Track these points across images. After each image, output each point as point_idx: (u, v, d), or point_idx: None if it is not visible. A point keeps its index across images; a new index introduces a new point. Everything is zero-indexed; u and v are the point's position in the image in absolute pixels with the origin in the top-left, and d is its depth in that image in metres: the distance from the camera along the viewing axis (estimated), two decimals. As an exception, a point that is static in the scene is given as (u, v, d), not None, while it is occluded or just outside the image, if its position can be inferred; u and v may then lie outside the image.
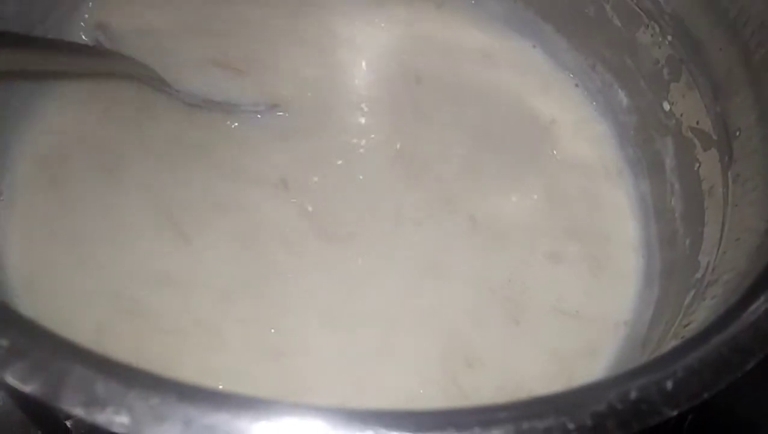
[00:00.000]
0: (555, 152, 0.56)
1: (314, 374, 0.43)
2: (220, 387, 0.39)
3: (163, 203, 0.48)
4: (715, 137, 0.46)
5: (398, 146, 0.54)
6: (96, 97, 0.52)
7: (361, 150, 0.53)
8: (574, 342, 0.47)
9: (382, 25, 0.61)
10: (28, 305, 0.42)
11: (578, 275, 0.50)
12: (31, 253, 0.45)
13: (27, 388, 0.23)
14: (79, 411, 0.23)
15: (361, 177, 0.52)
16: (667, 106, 0.52)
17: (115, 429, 0.22)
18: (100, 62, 0.51)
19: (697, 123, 0.48)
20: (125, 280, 0.44)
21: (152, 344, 0.42)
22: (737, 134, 0.43)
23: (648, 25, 0.52)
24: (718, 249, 0.40)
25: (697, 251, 0.44)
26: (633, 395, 0.25)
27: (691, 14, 0.48)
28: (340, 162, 0.52)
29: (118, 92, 0.52)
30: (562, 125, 0.58)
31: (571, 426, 0.24)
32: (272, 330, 0.44)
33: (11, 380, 0.23)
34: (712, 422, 0.58)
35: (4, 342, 0.24)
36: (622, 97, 0.56)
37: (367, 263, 0.48)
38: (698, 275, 0.42)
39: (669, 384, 0.26)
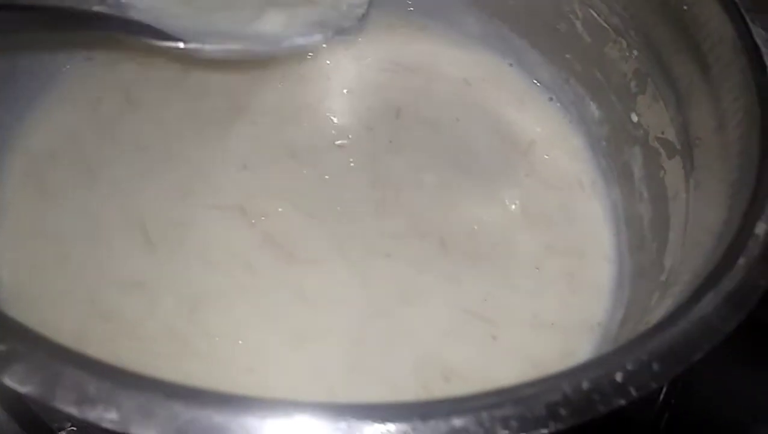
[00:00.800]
0: (532, 166, 0.58)
1: (284, 385, 0.44)
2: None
3: (134, 208, 0.50)
4: (678, 146, 0.48)
5: (373, 176, 0.55)
6: (81, 104, 0.55)
7: (335, 180, 0.54)
8: (552, 348, 0.48)
9: (368, 57, 0.63)
10: (18, 314, 0.43)
11: (556, 288, 0.51)
12: (21, 264, 0.47)
13: (24, 389, 0.25)
14: (72, 409, 0.25)
15: (338, 208, 0.53)
16: (635, 118, 0.54)
17: (105, 425, 0.24)
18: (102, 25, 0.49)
19: (662, 133, 0.50)
20: (100, 283, 0.46)
21: (127, 350, 0.44)
22: (697, 142, 0.45)
23: (615, 41, 0.54)
24: (680, 252, 0.43)
25: (662, 255, 0.46)
26: (585, 385, 0.27)
27: (654, 30, 0.50)
28: (311, 191, 0.53)
29: (100, 101, 0.55)
30: (539, 139, 0.60)
31: (527, 414, 0.26)
32: (240, 342, 0.45)
33: (9, 382, 0.25)
34: (689, 420, 0.60)
35: (2, 347, 0.26)
36: (594, 110, 0.59)
37: (333, 286, 0.48)
38: (663, 277, 0.44)
39: (619, 376, 0.28)
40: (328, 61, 0.62)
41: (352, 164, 0.56)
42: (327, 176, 0.54)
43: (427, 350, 0.47)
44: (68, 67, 0.56)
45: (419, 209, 0.54)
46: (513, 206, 0.56)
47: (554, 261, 0.52)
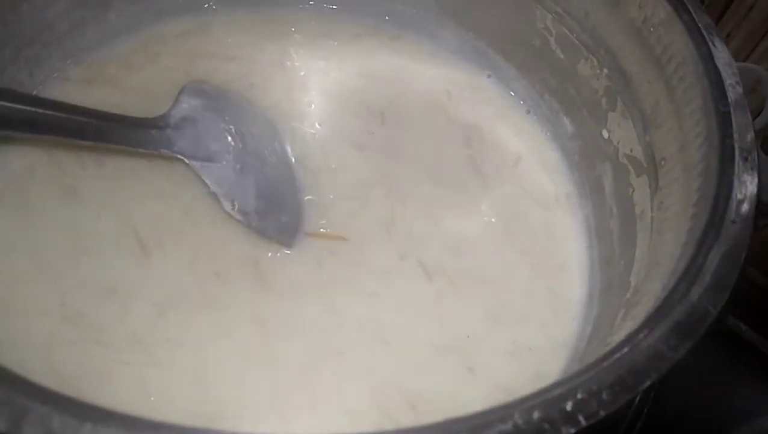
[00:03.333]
0: (513, 179, 0.59)
1: (239, 403, 0.44)
2: (152, 399, 0.43)
3: (127, 218, 0.50)
4: (645, 165, 0.49)
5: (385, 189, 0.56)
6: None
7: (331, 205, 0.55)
8: (526, 372, 0.48)
9: (347, 65, 0.63)
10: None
11: (538, 310, 0.51)
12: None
13: (-9, 425, 0.26)
14: (37, 444, 0.25)
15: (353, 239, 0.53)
16: (605, 134, 0.55)
17: (69, 459, 0.25)
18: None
19: (631, 151, 0.51)
20: (75, 291, 0.46)
21: (92, 356, 0.44)
22: (662, 163, 0.46)
23: (587, 58, 0.55)
24: (644, 272, 0.43)
25: (629, 272, 0.47)
26: (536, 415, 0.28)
27: (623, 50, 0.51)
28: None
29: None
30: (519, 152, 0.61)
31: (479, 445, 0.27)
32: (200, 354, 0.45)
33: (-24, 418, 0.26)
34: (662, 429, 0.61)
35: (-31, 385, 0.27)
36: (567, 125, 0.60)
37: (299, 315, 0.48)
38: (628, 295, 0.45)
39: (569, 405, 0.29)
40: (302, 73, 0.63)
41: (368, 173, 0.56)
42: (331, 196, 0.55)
43: (390, 380, 0.46)
44: (46, 84, 0.57)
45: (416, 232, 0.54)
46: (494, 220, 0.56)
47: (538, 280, 0.53)
